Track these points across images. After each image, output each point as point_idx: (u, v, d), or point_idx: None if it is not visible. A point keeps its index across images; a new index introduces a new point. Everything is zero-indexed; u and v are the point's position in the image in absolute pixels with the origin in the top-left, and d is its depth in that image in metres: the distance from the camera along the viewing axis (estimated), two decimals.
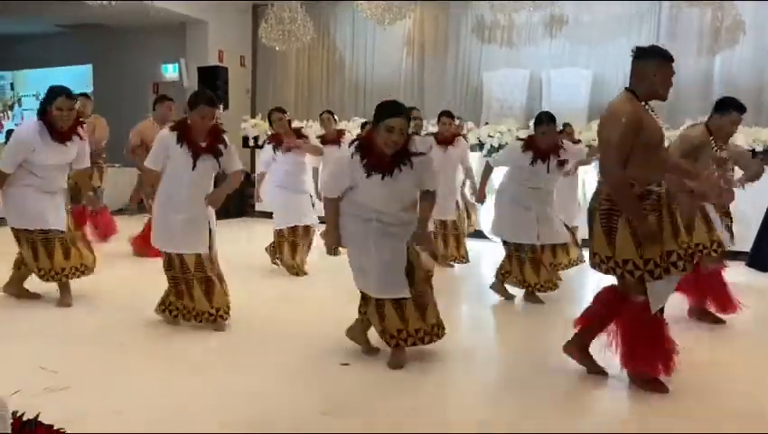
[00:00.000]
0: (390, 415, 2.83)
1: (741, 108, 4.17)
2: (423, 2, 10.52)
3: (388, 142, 3.18)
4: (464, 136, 6.90)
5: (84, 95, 7.23)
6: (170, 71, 11.90)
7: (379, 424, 2.72)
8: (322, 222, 3.98)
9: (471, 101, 10.03)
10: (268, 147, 5.79)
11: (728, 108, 4.13)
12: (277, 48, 9.99)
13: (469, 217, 6.82)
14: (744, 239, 5.39)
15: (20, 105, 14.22)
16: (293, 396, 3.01)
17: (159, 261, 4.18)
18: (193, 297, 3.97)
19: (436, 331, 3.47)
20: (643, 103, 3.00)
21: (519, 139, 5.34)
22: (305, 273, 5.76)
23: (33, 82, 13.57)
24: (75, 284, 4.57)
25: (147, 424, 2.64)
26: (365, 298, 3.50)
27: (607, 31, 9.23)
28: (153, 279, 4.49)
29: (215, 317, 3.98)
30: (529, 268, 4.81)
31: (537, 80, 9.53)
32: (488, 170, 5.18)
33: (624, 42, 9.09)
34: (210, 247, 4.02)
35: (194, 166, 3.85)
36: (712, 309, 4.47)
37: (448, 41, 10.49)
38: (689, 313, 4.51)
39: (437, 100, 10.26)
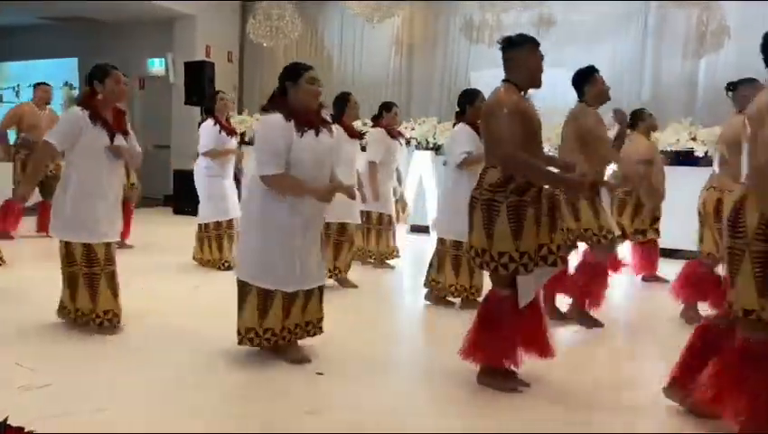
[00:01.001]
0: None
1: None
2: (412, 1, 10.52)
3: (315, 93, 3.17)
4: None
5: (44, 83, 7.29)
6: (156, 66, 11.81)
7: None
8: None
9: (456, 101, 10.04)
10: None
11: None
12: (265, 44, 9.96)
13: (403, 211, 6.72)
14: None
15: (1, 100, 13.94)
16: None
17: None
18: (97, 294, 3.61)
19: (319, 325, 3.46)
20: (522, 93, 3.00)
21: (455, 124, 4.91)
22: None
23: (15, 75, 13.41)
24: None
25: (131, 424, 2.59)
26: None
27: (595, 31, 9.27)
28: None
29: (119, 319, 3.71)
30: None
31: None
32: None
33: (612, 44, 9.17)
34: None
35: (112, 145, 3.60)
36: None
37: (437, 40, 10.49)
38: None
39: (425, 99, 10.27)
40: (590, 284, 4.15)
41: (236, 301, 3.31)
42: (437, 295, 4.72)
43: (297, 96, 3.16)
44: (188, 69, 10.29)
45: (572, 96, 4.51)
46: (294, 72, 3.18)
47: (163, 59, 11.50)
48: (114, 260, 3.74)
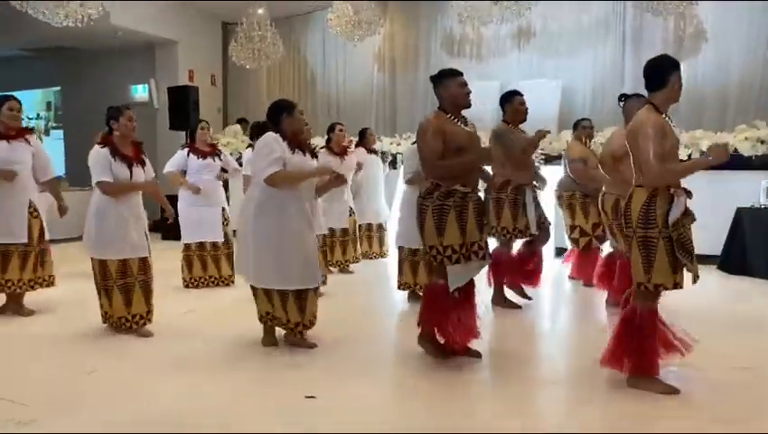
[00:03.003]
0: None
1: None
2: (391, 17, 10.61)
3: (304, 121, 4.05)
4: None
5: None
6: (140, 92, 11.79)
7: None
8: None
9: None
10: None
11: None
12: (248, 66, 9.98)
13: None
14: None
15: None
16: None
17: None
18: (131, 301, 4.21)
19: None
20: (450, 115, 3.56)
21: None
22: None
23: None
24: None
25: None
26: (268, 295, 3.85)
27: (575, 41, 9.41)
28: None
29: (145, 321, 4.28)
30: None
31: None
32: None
33: (591, 52, 9.27)
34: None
35: (131, 175, 4.23)
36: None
37: (418, 55, 10.58)
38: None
39: (409, 114, 10.31)
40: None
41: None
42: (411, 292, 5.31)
43: (292, 124, 3.84)
44: (171, 94, 10.25)
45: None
46: (289, 106, 3.90)
47: (146, 85, 11.49)
48: (146, 271, 4.29)
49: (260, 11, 9.59)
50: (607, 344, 3.20)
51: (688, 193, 3.10)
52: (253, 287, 3.93)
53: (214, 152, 6.02)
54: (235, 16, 10.19)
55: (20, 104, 4.77)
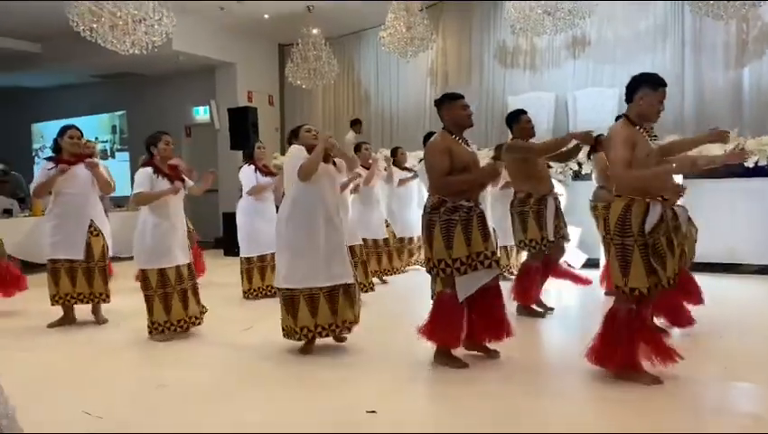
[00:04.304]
0: None
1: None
2: (444, 32, 10.66)
3: (313, 136, 4.23)
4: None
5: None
6: (201, 114, 12.21)
7: None
8: None
9: (497, 126, 10.03)
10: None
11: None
12: (304, 86, 10.20)
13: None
14: None
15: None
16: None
17: None
18: (171, 307, 4.61)
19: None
20: (454, 136, 3.78)
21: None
22: None
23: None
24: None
25: None
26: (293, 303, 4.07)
27: (631, 48, 9.20)
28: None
29: (187, 325, 4.70)
30: None
31: (562, 102, 9.54)
32: None
33: (649, 59, 9.05)
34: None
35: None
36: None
37: (471, 68, 10.58)
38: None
39: None
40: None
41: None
42: None
43: (306, 139, 4.23)
44: (231, 115, 10.59)
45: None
46: (300, 127, 4.37)
47: (206, 106, 11.88)
48: (184, 280, 4.69)
49: (315, 31, 9.81)
50: (591, 342, 3.45)
51: (681, 191, 3.57)
52: (291, 304, 4.10)
53: (270, 171, 6.40)
54: (291, 37, 10.45)
55: (80, 132, 5.14)
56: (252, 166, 6.25)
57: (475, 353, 3.94)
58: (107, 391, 3.60)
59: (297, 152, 4.12)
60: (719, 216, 6.76)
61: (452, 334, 3.70)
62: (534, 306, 5.16)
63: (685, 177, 5.53)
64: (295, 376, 3.80)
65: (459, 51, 10.71)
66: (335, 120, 11.96)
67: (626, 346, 3.31)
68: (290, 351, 4.23)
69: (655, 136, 4.55)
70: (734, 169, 6.55)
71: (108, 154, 13.73)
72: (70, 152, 5.06)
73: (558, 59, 9.82)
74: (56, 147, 5.11)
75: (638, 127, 3.32)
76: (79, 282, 5.10)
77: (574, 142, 5.01)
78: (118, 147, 13.72)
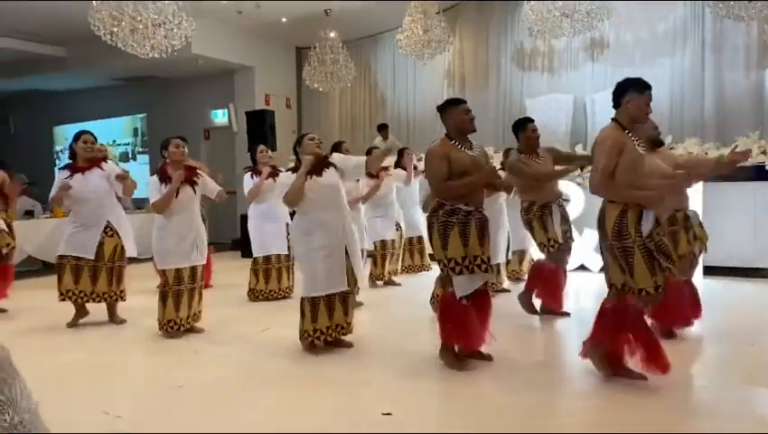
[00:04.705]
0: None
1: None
2: (461, 34, 10.65)
3: (314, 150, 4.35)
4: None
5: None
6: (219, 117, 12.30)
7: None
8: None
9: None
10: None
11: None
12: (321, 89, 10.25)
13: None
14: None
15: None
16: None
17: None
18: (180, 306, 4.74)
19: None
20: (454, 141, 3.87)
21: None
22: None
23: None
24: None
25: None
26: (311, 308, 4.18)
27: (651, 50, 9.13)
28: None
29: (189, 325, 4.84)
30: None
31: (581, 104, 9.48)
32: None
33: (669, 61, 8.98)
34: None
35: (177, 194, 4.73)
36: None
37: (488, 70, 10.56)
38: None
39: (480, 129, 10.21)
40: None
41: None
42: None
43: (310, 147, 4.41)
44: (249, 118, 10.68)
45: None
46: (304, 135, 4.61)
47: (225, 110, 11.98)
48: (196, 280, 4.83)
49: (332, 34, 9.86)
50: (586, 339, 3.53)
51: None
52: (309, 308, 4.22)
53: (276, 173, 6.24)
54: (308, 41, 10.52)
55: (94, 137, 5.23)
56: (249, 173, 6.33)
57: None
58: (124, 391, 3.64)
59: (285, 179, 4.32)
60: (741, 220, 6.69)
61: (461, 333, 3.78)
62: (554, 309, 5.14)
63: (706, 180, 5.48)
64: (310, 375, 3.81)
65: (476, 54, 10.70)
66: (352, 123, 12.01)
67: (615, 340, 3.40)
68: (303, 351, 4.27)
69: (661, 141, 4.54)
70: (751, 174, 6.49)
71: (129, 156, 13.90)
72: (83, 157, 5.14)
73: (577, 61, 9.77)
74: (72, 153, 5.21)
75: (627, 132, 3.35)
76: (83, 280, 5.14)
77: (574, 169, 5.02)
78: (140, 150, 13.87)
